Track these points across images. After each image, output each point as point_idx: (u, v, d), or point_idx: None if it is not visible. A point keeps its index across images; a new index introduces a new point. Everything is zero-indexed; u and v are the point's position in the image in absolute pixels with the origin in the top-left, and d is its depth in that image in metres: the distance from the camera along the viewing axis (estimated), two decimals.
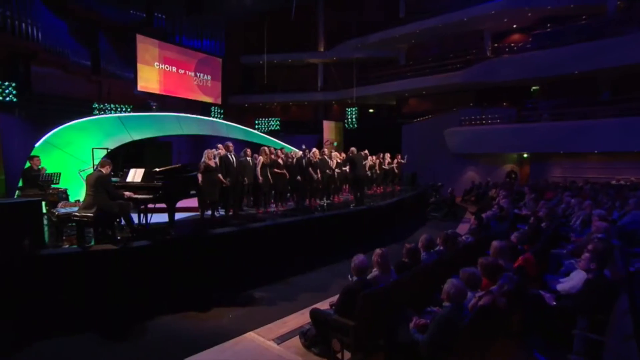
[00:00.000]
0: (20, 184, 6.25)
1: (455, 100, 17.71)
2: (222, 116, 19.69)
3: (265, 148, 7.27)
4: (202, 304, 4.19)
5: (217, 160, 6.48)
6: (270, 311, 4.10)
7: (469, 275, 2.62)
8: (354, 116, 21.32)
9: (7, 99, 12.89)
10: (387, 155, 11.89)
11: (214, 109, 20.09)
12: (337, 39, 21.81)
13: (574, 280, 2.88)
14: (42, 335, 3.44)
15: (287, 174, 7.68)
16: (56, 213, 4.60)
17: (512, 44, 16.40)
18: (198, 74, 17.42)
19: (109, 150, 8.04)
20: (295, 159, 8.06)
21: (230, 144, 6.71)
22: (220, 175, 6.28)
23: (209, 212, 6.46)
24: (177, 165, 5.27)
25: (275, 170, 7.40)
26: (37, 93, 14.53)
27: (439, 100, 19.01)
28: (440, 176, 15.09)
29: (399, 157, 12.46)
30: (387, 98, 21.46)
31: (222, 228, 5.37)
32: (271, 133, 18.64)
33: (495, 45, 17.00)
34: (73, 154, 8.06)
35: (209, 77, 17.99)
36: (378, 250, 3.14)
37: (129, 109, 13.94)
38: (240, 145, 9.03)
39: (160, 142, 11.04)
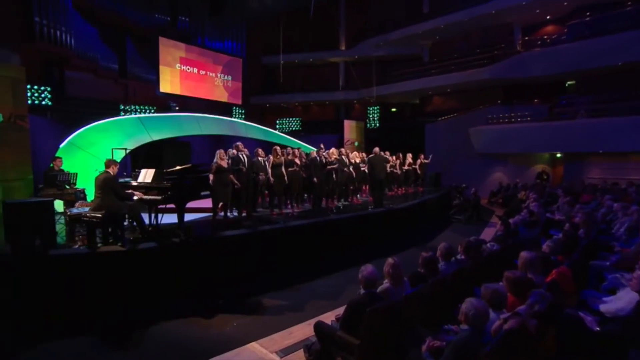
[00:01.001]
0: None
1: (482, 97, 16.89)
2: (243, 117, 19.84)
3: (277, 148, 7.09)
4: (207, 309, 4.04)
5: (229, 160, 6.39)
6: (276, 320, 3.89)
7: (492, 292, 2.27)
8: (375, 115, 20.92)
9: (43, 102, 13.56)
10: (409, 156, 11.47)
11: (235, 110, 20.28)
12: (359, 37, 21.46)
13: (622, 300, 2.46)
14: (44, 338, 3.40)
15: (303, 174, 7.49)
16: (68, 213, 4.63)
17: (545, 37, 15.37)
18: (219, 75, 17.61)
19: (127, 151, 8.16)
20: (310, 159, 7.83)
21: (240, 144, 6.58)
22: (232, 175, 6.19)
23: (222, 214, 6.37)
24: (187, 166, 5.17)
25: (290, 169, 7.21)
26: (70, 96, 15.22)
27: (465, 98, 18.22)
28: (465, 177, 14.39)
29: (422, 157, 11.98)
30: (410, 96, 20.87)
31: (231, 230, 5.23)
32: (292, 133, 18.62)
33: (526, 38, 16.02)
34: (95, 155, 8.23)
35: (230, 77, 18.14)
36: (390, 260, 2.85)
37: (152, 110, 14.28)
38: (261, 145, 8.92)
39: (179, 142, 11.17)
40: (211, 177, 5.71)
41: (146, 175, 5.09)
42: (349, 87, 22.64)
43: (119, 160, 8.14)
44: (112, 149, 7.92)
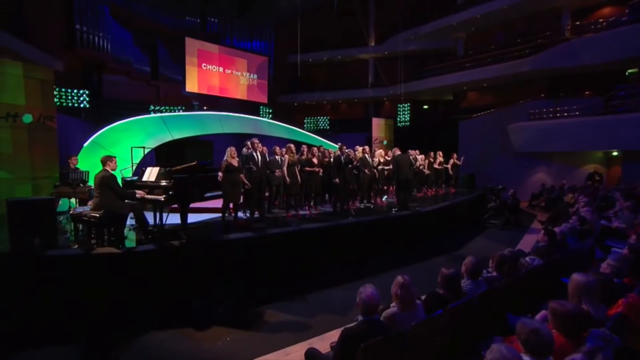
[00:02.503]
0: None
1: (523, 91, 15.51)
2: (270, 116, 19.83)
3: (291, 146, 6.67)
4: (203, 319, 3.70)
5: (244, 158, 6.11)
6: (275, 336, 3.46)
7: (531, 332, 1.66)
8: (406, 113, 20.07)
9: (82, 105, 14.28)
10: (440, 154, 10.65)
11: (263, 109, 20.32)
12: (388, 32, 20.71)
13: None
14: (26, 344, 3.21)
15: (321, 173, 7.05)
16: (70, 212, 4.52)
17: (601, 19, 13.70)
18: (245, 74, 17.62)
19: (145, 150, 8.16)
20: (332, 158, 7.35)
21: (256, 141, 6.25)
22: (242, 175, 5.89)
23: (233, 215, 6.07)
24: (192, 164, 4.89)
25: (307, 168, 6.80)
26: (107, 99, 15.95)
27: (503, 92, 16.88)
28: (502, 178, 13.20)
29: (455, 156, 11.11)
30: (443, 92, 19.77)
31: (236, 233, 4.88)
32: (320, 132, 18.32)
33: (577, 23, 14.40)
34: (117, 154, 8.30)
35: (256, 76, 18.09)
36: (399, 279, 2.31)
37: (181, 110, 14.55)
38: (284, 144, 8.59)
39: (201, 140, 11.15)
40: (220, 176, 5.42)
41: (151, 174, 4.89)
42: (378, 84, 21.92)
43: (137, 159, 8.21)
44: (132, 148, 7.95)
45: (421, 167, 10.00)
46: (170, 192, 4.49)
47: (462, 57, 18.13)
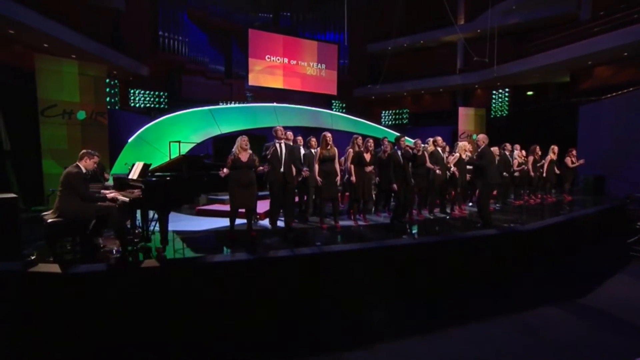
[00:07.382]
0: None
1: None
2: (344, 110, 18.59)
3: (328, 135, 5.11)
4: None
5: (265, 151, 4.87)
6: None
7: None
8: (503, 101, 16.57)
9: (162, 105, 15.17)
10: (553, 149, 7.90)
11: (336, 103, 19.16)
12: (481, 5, 17.30)
13: None
14: None
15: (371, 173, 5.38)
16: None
17: None
18: (311, 64, 16.55)
19: (180, 145, 7.56)
20: (389, 154, 5.54)
21: (280, 129, 4.90)
22: (262, 168, 4.60)
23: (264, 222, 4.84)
24: (179, 157, 3.76)
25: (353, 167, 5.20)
26: (184, 99, 16.79)
27: None
28: None
29: (573, 153, 8.04)
30: (556, 72, 15.62)
31: (224, 255, 3.55)
32: (397, 126, 16.40)
33: None
34: (160, 148, 7.96)
35: (324, 65, 16.88)
36: None
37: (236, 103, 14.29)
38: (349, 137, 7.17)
39: (254, 135, 10.35)
40: (226, 172, 4.19)
41: (136, 170, 3.93)
42: (468, 70, 18.66)
43: (176, 153, 7.67)
44: (169, 143, 7.45)
45: (521, 167, 7.48)
46: (145, 195, 3.42)
47: (589, 21, 13.84)
